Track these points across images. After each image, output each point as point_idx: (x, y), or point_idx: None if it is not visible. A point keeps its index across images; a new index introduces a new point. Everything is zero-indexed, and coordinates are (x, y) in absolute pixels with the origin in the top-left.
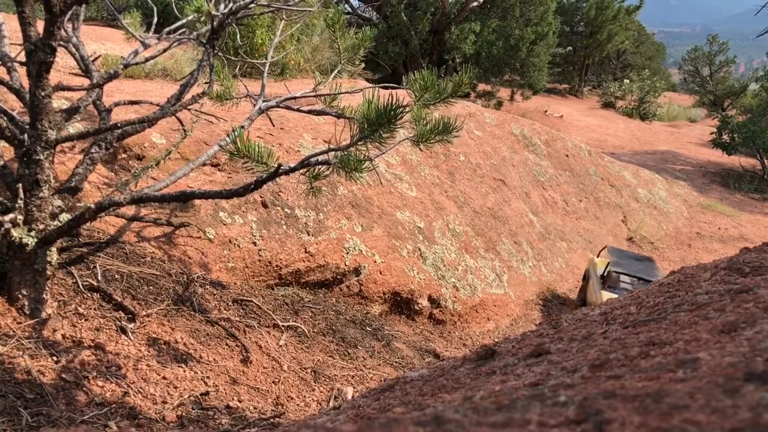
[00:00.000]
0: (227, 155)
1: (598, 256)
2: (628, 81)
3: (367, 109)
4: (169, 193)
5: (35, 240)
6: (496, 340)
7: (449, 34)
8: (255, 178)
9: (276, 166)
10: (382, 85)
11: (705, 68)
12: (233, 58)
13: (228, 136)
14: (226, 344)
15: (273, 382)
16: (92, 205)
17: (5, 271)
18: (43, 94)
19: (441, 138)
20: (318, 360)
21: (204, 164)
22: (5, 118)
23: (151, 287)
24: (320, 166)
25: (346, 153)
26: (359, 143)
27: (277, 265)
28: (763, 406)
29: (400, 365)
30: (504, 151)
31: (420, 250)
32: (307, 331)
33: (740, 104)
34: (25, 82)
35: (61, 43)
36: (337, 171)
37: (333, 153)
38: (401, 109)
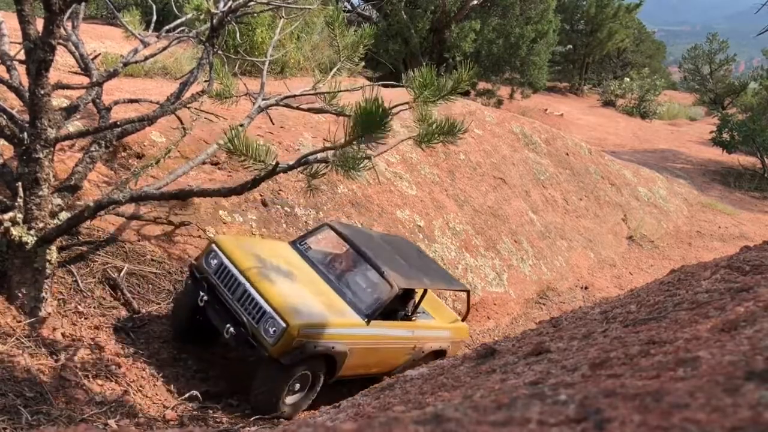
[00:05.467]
0: (227, 153)
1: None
2: (628, 79)
3: (360, 112)
4: (167, 191)
5: (35, 238)
6: (496, 338)
7: (449, 32)
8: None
9: (274, 164)
10: (381, 83)
11: (705, 66)
12: (233, 57)
13: (227, 134)
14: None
15: None
16: (92, 204)
17: (5, 270)
18: (42, 92)
19: (444, 139)
20: None
21: (204, 163)
22: (5, 116)
23: (150, 285)
24: (319, 165)
25: (343, 151)
26: (353, 143)
27: None
28: (763, 405)
29: None
30: (504, 150)
31: None
32: None
33: (740, 103)
34: (25, 81)
35: (61, 41)
36: (335, 169)
37: (332, 151)
38: (390, 111)
